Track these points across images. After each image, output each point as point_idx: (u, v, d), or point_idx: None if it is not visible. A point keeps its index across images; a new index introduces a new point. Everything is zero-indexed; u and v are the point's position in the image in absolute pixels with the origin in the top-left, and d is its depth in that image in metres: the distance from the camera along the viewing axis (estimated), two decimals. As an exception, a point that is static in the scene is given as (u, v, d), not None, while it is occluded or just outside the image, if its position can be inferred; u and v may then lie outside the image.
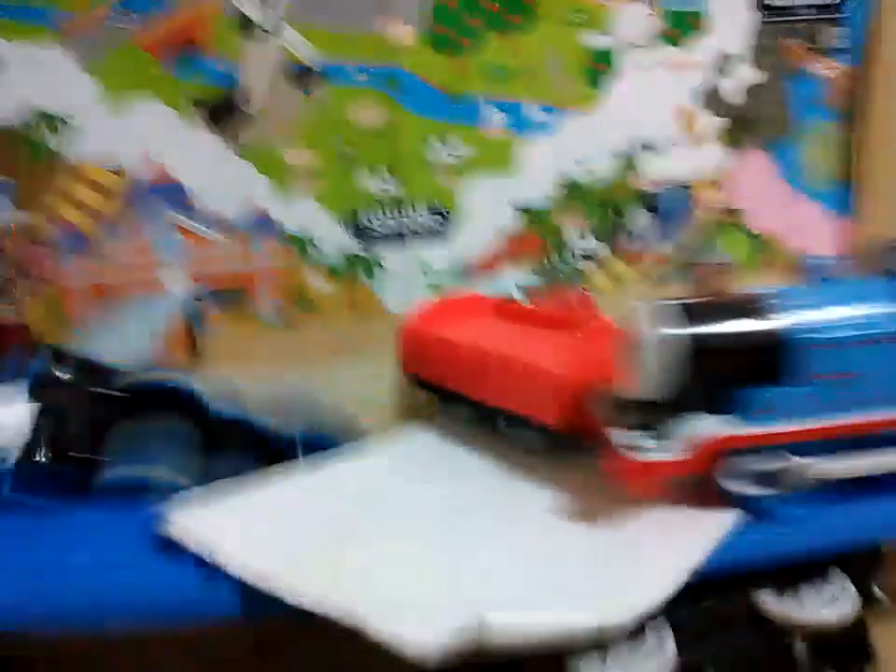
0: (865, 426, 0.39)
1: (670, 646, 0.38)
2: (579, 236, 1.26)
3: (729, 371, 0.40)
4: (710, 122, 1.26)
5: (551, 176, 1.24)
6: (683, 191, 1.27)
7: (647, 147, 1.25)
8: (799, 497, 0.39)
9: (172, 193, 1.17)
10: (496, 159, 1.22)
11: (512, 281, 1.25)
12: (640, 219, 1.27)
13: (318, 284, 1.23)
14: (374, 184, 1.20)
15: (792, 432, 0.38)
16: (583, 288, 0.94)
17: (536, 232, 1.25)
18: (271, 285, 1.22)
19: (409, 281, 1.24)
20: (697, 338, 0.40)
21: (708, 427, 0.39)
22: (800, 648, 0.41)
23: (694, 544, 0.39)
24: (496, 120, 1.21)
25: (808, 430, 0.38)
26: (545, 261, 1.26)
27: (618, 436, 0.40)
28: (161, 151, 1.17)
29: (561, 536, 0.40)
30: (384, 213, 1.21)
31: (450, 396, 0.70)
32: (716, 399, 0.40)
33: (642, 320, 0.41)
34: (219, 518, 0.45)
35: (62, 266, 1.16)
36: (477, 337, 0.70)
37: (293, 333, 1.22)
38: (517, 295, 0.93)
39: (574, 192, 1.25)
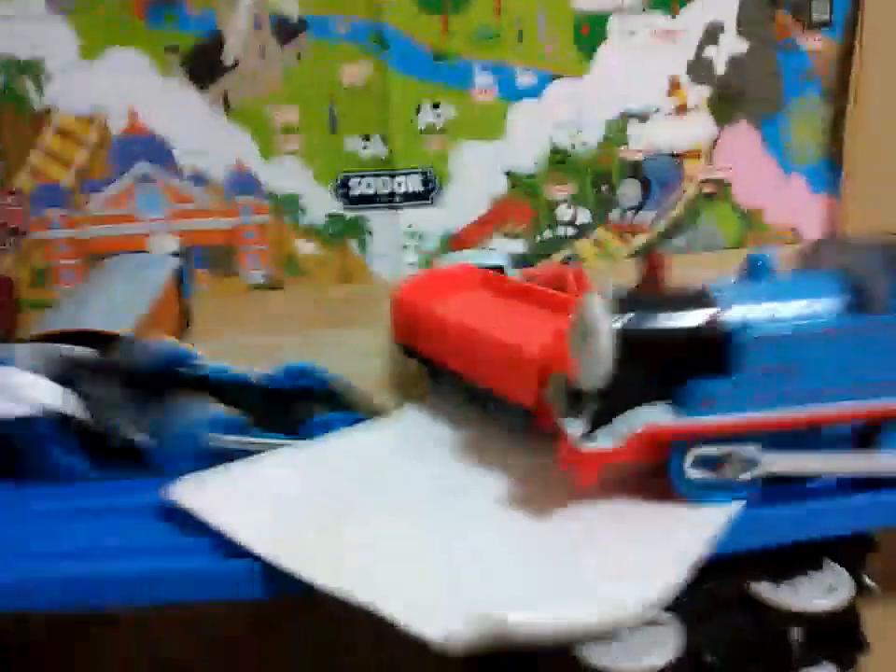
0: (808, 419, 0.40)
1: (674, 631, 0.39)
2: (566, 204, 1.26)
3: (674, 363, 0.42)
4: (699, 93, 1.26)
5: (539, 143, 1.23)
6: (672, 161, 1.27)
7: (635, 115, 1.24)
8: (745, 486, 0.40)
9: (151, 147, 1.15)
10: (485, 123, 1.20)
11: (500, 248, 1.25)
12: (628, 188, 1.27)
13: (305, 246, 1.22)
14: (361, 146, 1.18)
15: (735, 424, 0.39)
16: (574, 261, 0.94)
17: (524, 200, 1.24)
18: (256, 245, 1.20)
19: (396, 246, 1.23)
20: (641, 330, 0.40)
21: (652, 418, 0.40)
22: (794, 634, 0.43)
23: (698, 533, 0.40)
24: (484, 84, 1.19)
25: (751, 422, 0.39)
26: (533, 229, 1.26)
27: (565, 424, 0.41)
28: (140, 103, 1.14)
29: (553, 523, 0.41)
30: (371, 176, 1.19)
31: (439, 370, 0.70)
32: (662, 390, 0.41)
33: (587, 310, 0.42)
34: (223, 494, 0.45)
35: (40, 220, 1.13)
36: (463, 312, 0.69)
37: (279, 296, 1.21)
38: (507, 264, 0.92)
39: (562, 160, 1.24)
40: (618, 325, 0.41)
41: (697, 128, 1.27)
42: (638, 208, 1.30)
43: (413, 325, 0.71)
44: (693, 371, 0.41)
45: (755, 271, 0.46)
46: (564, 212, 1.27)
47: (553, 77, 1.20)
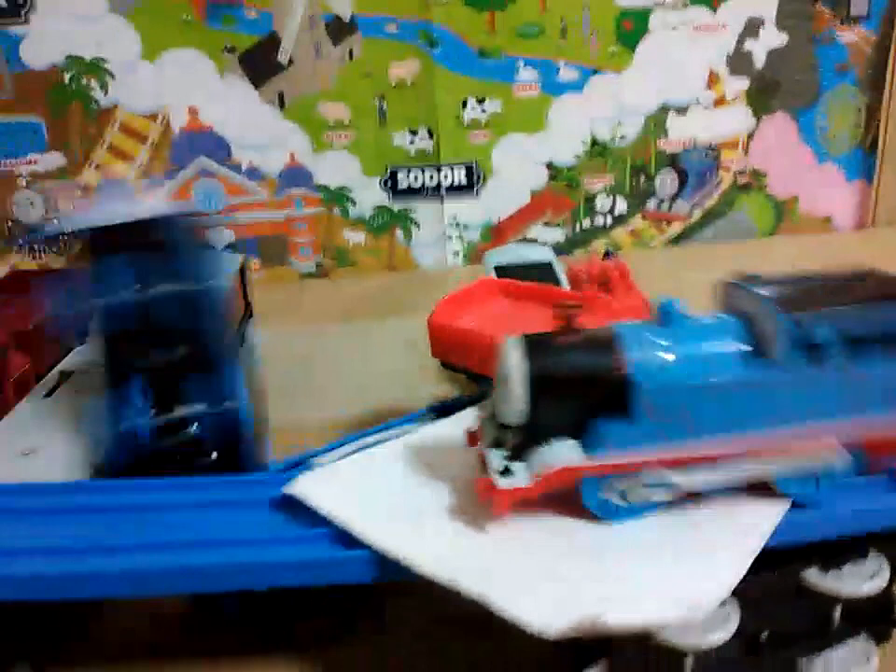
0: (703, 457, 0.43)
1: (734, 612, 0.44)
2: (605, 195, 1.30)
3: (582, 404, 0.45)
4: (737, 85, 1.28)
5: (580, 136, 1.26)
6: (709, 152, 1.31)
7: (675, 108, 1.27)
8: (647, 508, 0.46)
9: (210, 143, 1.20)
10: (527, 117, 1.24)
11: (539, 238, 1.29)
12: (665, 179, 1.31)
13: (353, 237, 1.27)
14: (409, 140, 1.22)
15: (633, 462, 0.43)
16: (614, 254, 0.98)
17: (563, 191, 1.28)
18: (307, 236, 1.26)
19: (440, 236, 1.28)
20: (552, 373, 0.44)
21: (558, 456, 0.44)
22: (837, 613, 0.47)
23: (756, 528, 0.45)
24: (528, 79, 1.22)
25: (648, 460, 0.43)
26: (572, 219, 1.30)
27: (489, 454, 0.45)
28: (200, 101, 1.19)
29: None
30: (418, 169, 1.24)
31: (476, 376, 0.74)
32: (573, 427, 0.44)
33: (504, 354, 0.46)
34: (338, 488, 0.49)
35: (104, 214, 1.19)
36: (484, 323, 0.74)
37: (328, 285, 1.27)
38: (553, 259, 0.96)
39: (601, 152, 1.28)
40: (531, 368, 0.45)
41: (735, 120, 1.30)
42: (674, 198, 1.33)
43: (444, 342, 0.75)
44: (600, 411, 0.44)
45: (665, 316, 0.47)
46: (602, 202, 1.31)
47: (595, 72, 1.24)
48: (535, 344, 0.46)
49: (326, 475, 0.49)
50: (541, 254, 1.02)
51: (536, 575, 0.42)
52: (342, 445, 0.57)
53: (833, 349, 0.44)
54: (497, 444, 0.47)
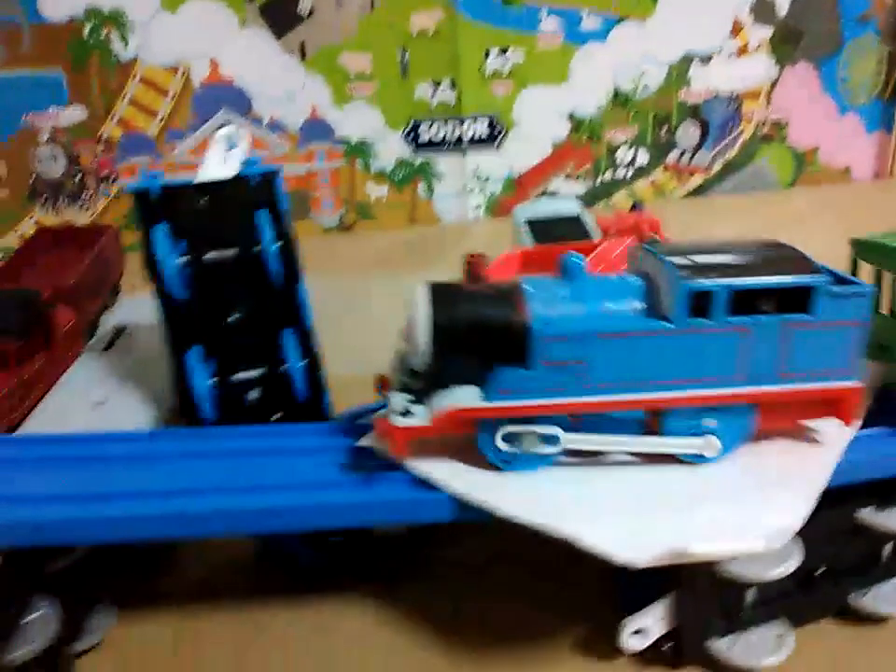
0: (594, 407, 0.45)
1: (798, 550, 0.46)
2: (626, 147, 1.29)
3: (483, 352, 0.46)
4: (761, 34, 1.27)
5: (602, 87, 1.26)
6: (731, 103, 1.30)
7: (698, 57, 1.26)
8: (540, 458, 0.46)
9: (232, 96, 1.19)
10: (550, 68, 1.23)
11: (561, 190, 1.30)
12: (687, 130, 1.30)
13: (375, 190, 1.26)
14: (431, 92, 1.21)
15: (527, 408, 0.44)
16: (640, 206, 0.98)
17: (585, 143, 1.28)
18: (329, 190, 1.25)
19: (462, 189, 1.27)
20: (455, 321, 0.45)
21: (456, 400, 0.45)
22: (885, 550, 0.50)
23: (819, 465, 0.48)
24: (551, 28, 1.21)
25: (542, 407, 0.44)
26: (593, 171, 1.30)
27: (391, 397, 0.47)
28: (221, 54, 1.17)
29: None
30: (440, 121, 1.23)
31: None
32: (475, 374, 0.45)
33: (413, 300, 0.47)
34: None
35: (128, 167, 1.18)
36: None
37: (351, 238, 1.27)
38: (581, 213, 0.97)
39: (624, 103, 1.27)
40: (434, 316, 0.47)
41: (758, 69, 1.29)
42: (696, 150, 1.33)
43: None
44: (499, 359, 0.45)
45: (568, 271, 0.48)
46: (623, 154, 1.31)
47: (619, 21, 1.22)
48: (440, 293, 0.47)
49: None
50: (570, 207, 1.02)
51: (619, 512, 0.44)
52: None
53: (721, 309, 0.45)
54: (405, 389, 0.48)
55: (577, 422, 0.47)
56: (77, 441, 0.52)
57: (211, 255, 0.55)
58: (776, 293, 0.45)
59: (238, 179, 0.57)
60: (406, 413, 0.46)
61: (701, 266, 0.45)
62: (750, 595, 0.47)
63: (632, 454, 0.48)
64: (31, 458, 0.51)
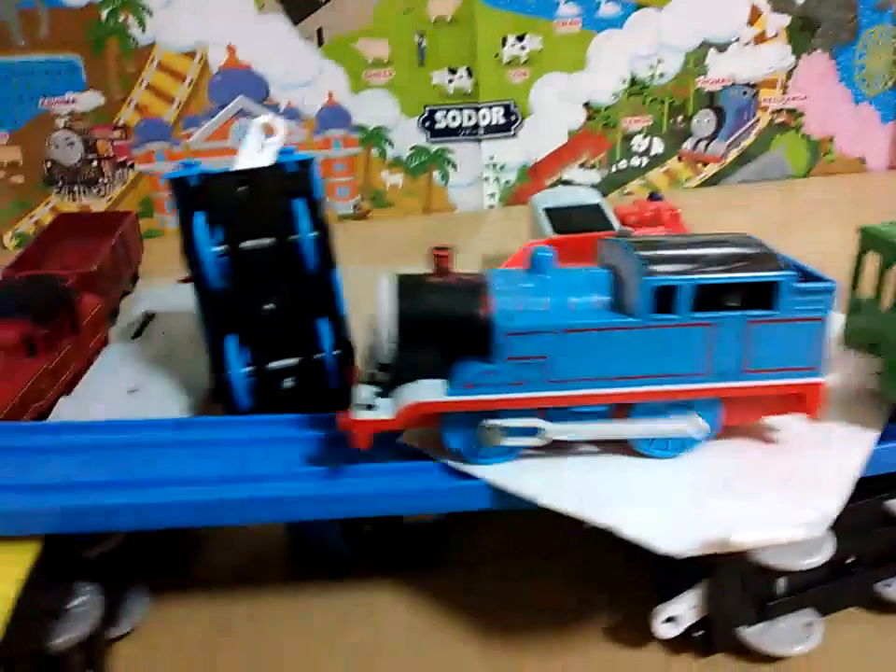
0: (557, 402, 0.45)
1: (831, 540, 0.47)
2: (642, 135, 1.29)
3: (448, 345, 0.46)
4: (778, 22, 1.27)
5: (619, 74, 1.25)
6: (747, 91, 1.30)
7: (715, 45, 1.26)
8: (506, 453, 0.46)
9: (249, 82, 1.18)
10: (567, 55, 1.23)
11: (575, 179, 1.29)
12: (703, 119, 1.30)
13: (391, 178, 1.26)
14: (447, 79, 1.21)
15: (488, 402, 0.44)
16: (656, 195, 0.98)
17: (601, 131, 1.28)
18: (345, 177, 1.25)
19: (477, 177, 1.27)
20: (420, 313, 0.45)
21: (417, 393, 0.45)
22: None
23: (851, 456, 0.48)
24: (568, 14, 1.20)
25: (505, 402, 0.44)
26: (608, 160, 1.29)
27: (357, 389, 0.46)
28: (238, 39, 1.16)
29: (742, 454, 0.48)
30: (456, 108, 1.22)
31: None
32: (439, 368, 0.45)
33: (379, 293, 0.47)
34: None
35: (144, 154, 1.18)
36: None
37: (366, 226, 1.27)
38: (601, 201, 0.97)
39: (640, 91, 1.26)
40: (399, 308, 0.45)
41: (775, 57, 1.28)
42: (712, 139, 1.33)
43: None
44: (463, 353, 0.45)
45: (535, 264, 0.48)
46: (639, 143, 1.31)
47: (637, 7, 1.22)
48: (406, 285, 0.47)
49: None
50: (588, 196, 1.03)
51: (657, 501, 0.44)
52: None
53: (685, 305, 0.45)
54: (373, 381, 0.48)
55: (541, 416, 0.47)
56: (113, 428, 0.53)
57: (248, 243, 0.56)
58: (741, 289, 0.45)
59: (275, 168, 0.57)
60: (370, 406, 0.46)
61: (666, 261, 0.45)
62: (781, 584, 0.48)
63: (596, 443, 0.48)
64: (67, 446, 0.51)
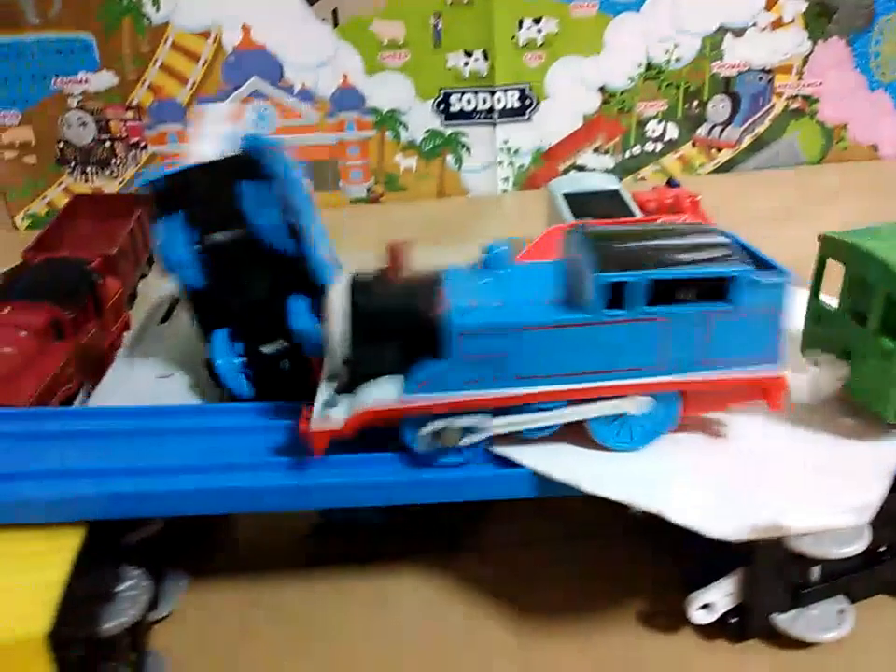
0: (514, 400, 0.45)
1: (868, 529, 0.48)
2: (657, 120, 1.29)
3: (404, 344, 0.46)
4: (795, 7, 1.26)
5: (635, 59, 1.24)
6: (763, 76, 1.29)
7: (732, 29, 1.25)
8: (466, 452, 0.46)
9: (263, 62, 1.17)
10: (583, 38, 1.21)
11: (589, 164, 1.29)
12: (718, 105, 1.29)
13: (404, 162, 1.26)
14: (463, 61, 1.20)
15: (443, 403, 0.44)
16: (674, 182, 0.98)
17: (615, 116, 1.27)
18: (359, 160, 1.24)
19: (491, 162, 1.27)
20: (374, 313, 0.45)
21: (372, 396, 0.45)
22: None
23: (889, 446, 0.49)
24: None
25: (460, 402, 0.44)
26: (622, 145, 1.29)
27: (320, 388, 0.46)
28: (253, 19, 1.15)
29: (786, 443, 0.48)
30: (471, 92, 1.22)
31: None
32: (397, 367, 0.45)
33: (331, 292, 0.46)
34: None
35: (158, 135, 1.18)
36: None
37: (379, 210, 1.26)
38: (620, 187, 0.96)
39: (656, 76, 1.26)
40: (353, 307, 0.45)
41: (791, 43, 1.27)
42: (726, 124, 1.32)
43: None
44: (418, 352, 0.45)
45: (490, 261, 0.48)
46: (653, 128, 1.30)
47: (654, -10, 1.21)
48: (359, 283, 0.46)
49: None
50: (607, 182, 1.02)
51: (703, 486, 0.45)
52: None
53: (638, 300, 0.44)
54: (334, 378, 0.48)
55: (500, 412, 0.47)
56: (148, 413, 0.53)
57: (217, 237, 0.55)
58: (695, 282, 0.45)
59: (230, 157, 0.56)
60: (329, 405, 0.46)
61: (621, 255, 0.45)
62: (816, 572, 0.49)
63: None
64: (106, 431, 0.51)
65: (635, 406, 0.47)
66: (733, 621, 0.48)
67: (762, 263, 0.47)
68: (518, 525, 0.59)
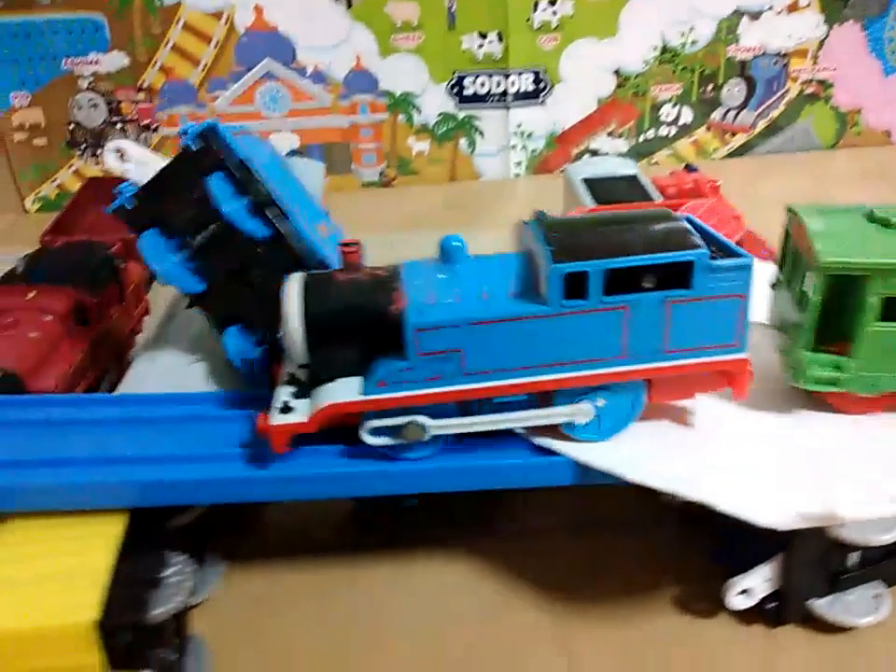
0: (472, 392, 0.44)
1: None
2: (671, 104, 1.28)
3: (362, 343, 0.45)
4: (811, -11, 1.25)
5: (650, 41, 1.23)
6: (778, 60, 1.28)
7: (748, 12, 1.24)
8: (420, 446, 0.46)
9: (275, 44, 1.16)
10: (598, 20, 1.20)
11: (602, 148, 1.28)
12: (733, 88, 1.29)
13: (417, 145, 1.25)
14: (477, 44, 1.19)
15: (402, 399, 0.44)
16: (692, 167, 0.98)
17: (630, 99, 1.26)
18: (371, 143, 1.23)
19: (504, 145, 1.26)
20: (329, 313, 0.44)
21: (331, 394, 0.44)
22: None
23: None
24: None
25: (418, 398, 0.44)
26: (636, 129, 1.28)
27: (278, 391, 0.46)
28: (265, 0, 1.14)
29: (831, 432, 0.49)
30: (485, 74, 1.20)
31: None
32: (357, 366, 0.45)
33: (287, 292, 0.45)
34: None
35: (169, 117, 1.16)
36: None
37: (391, 194, 1.25)
38: (638, 173, 0.96)
39: (671, 59, 1.25)
40: (306, 306, 0.44)
41: (807, 27, 1.26)
42: (741, 108, 1.32)
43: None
44: (376, 351, 0.45)
45: (447, 254, 0.47)
46: (668, 112, 1.29)
47: (671, -29, 1.19)
48: (313, 282, 0.46)
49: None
50: (625, 166, 1.02)
51: (749, 474, 0.45)
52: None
53: (597, 290, 0.44)
54: (293, 381, 0.48)
55: (464, 407, 0.46)
56: (177, 400, 0.53)
57: (198, 240, 0.54)
58: (656, 269, 0.44)
59: (181, 154, 0.53)
60: (287, 408, 0.46)
61: (577, 245, 0.44)
62: (854, 558, 0.49)
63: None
64: (134, 419, 0.51)
65: (583, 415, 0.47)
66: (770, 606, 0.49)
67: (725, 249, 0.46)
68: (555, 511, 0.59)
